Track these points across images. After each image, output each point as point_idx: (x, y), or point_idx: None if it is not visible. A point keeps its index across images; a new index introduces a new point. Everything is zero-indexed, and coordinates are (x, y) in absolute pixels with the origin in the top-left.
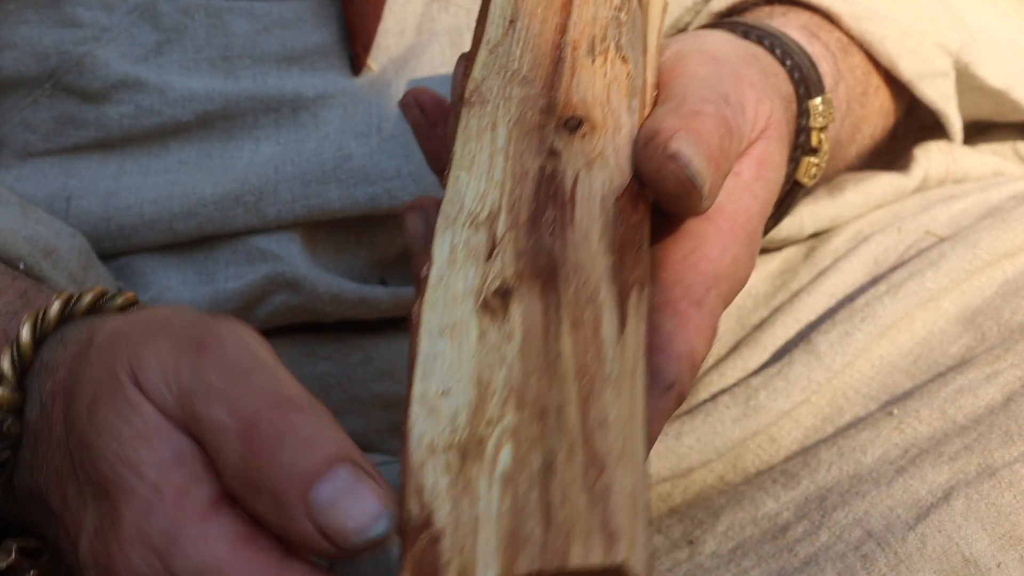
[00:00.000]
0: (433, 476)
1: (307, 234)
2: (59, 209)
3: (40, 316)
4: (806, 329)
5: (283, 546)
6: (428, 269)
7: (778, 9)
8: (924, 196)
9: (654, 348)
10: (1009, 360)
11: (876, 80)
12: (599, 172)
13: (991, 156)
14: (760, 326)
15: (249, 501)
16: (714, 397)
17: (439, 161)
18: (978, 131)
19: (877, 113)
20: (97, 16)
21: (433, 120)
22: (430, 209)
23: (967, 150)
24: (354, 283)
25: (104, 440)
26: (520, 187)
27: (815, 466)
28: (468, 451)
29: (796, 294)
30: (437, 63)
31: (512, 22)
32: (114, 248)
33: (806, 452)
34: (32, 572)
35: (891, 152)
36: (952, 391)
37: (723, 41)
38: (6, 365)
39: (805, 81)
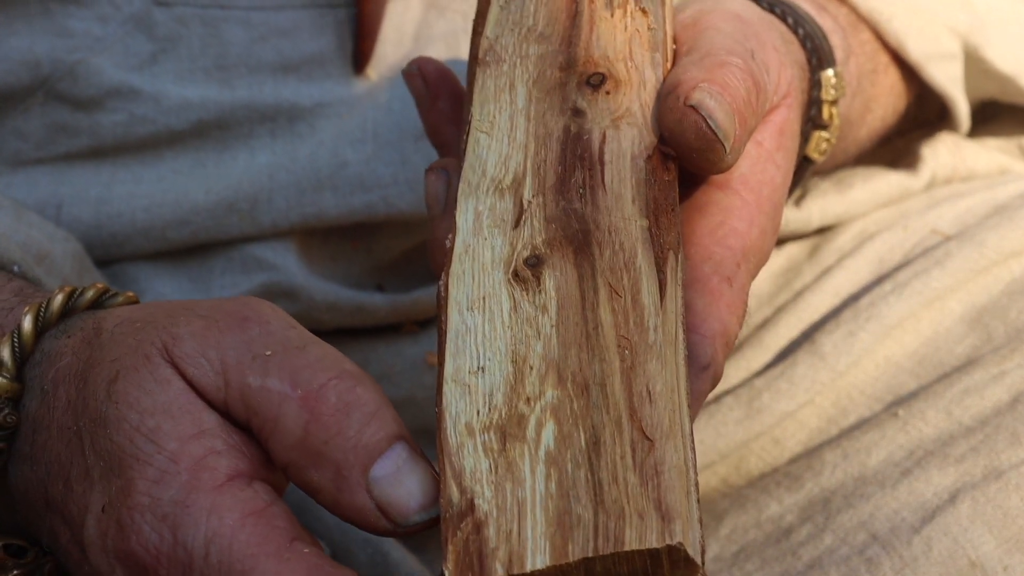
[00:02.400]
0: (472, 459)
1: (303, 242)
2: (49, 216)
3: (43, 308)
4: (810, 329)
5: (293, 528)
6: (452, 239)
7: None
8: (930, 194)
9: (687, 329)
10: (1016, 360)
11: (885, 58)
12: (627, 130)
13: (998, 153)
14: (763, 325)
15: (305, 471)
16: (717, 398)
17: (440, 135)
18: (982, 120)
19: (888, 93)
20: (90, 27)
21: (436, 92)
22: (452, 171)
23: (974, 147)
24: (351, 290)
25: (124, 413)
26: (545, 149)
27: (819, 468)
28: (508, 431)
29: (800, 293)
30: None
31: None
32: (106, 255)
33: (810, 454)
34: (15, 572)
35: (897, 149)
36: (958, 392)
37: (743, 4)
38: (6, 354)
39: (817, 52)
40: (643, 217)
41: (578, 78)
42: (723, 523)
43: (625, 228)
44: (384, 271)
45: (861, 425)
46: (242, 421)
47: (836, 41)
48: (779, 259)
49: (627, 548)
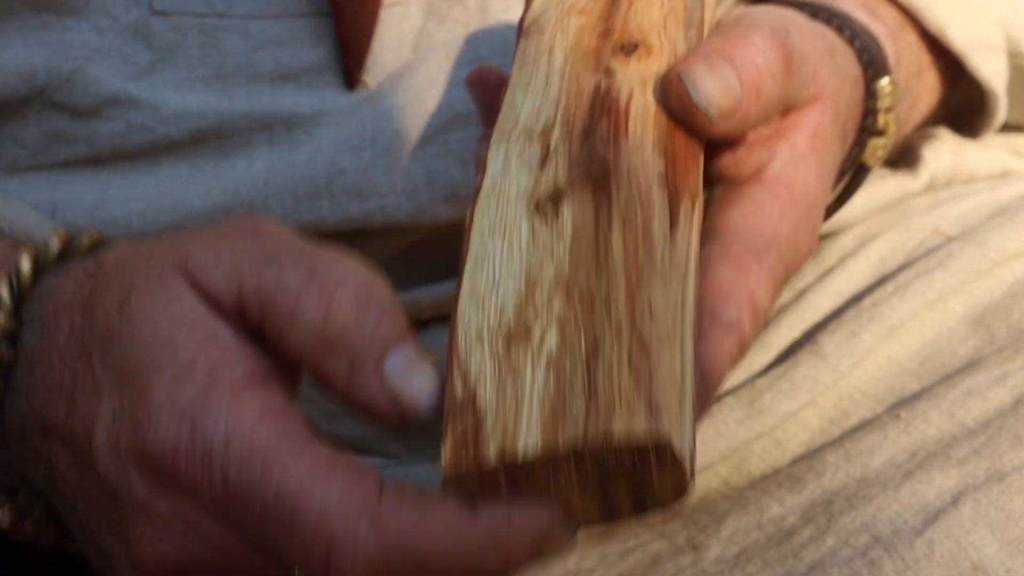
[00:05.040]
0: (479, 361)
1: None
2: None
3: (41, 250)
4: (812, 329)
5: (309, 428)
6: (481, 178)
7: None
8: (932, 195)
9: (713, 294)
10: (1019, 362)
11: (927, 58)
12: (654, 91)
13: (1002, 152)
14: (765, 326)
15: (322, 361)
16: (718, 398)
17: None
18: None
19: (929, 91)
20: (88, 39)
21: (494, 98)
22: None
23: (976, 148)
24: None
25: (137, 326)
26: (576, 103)
27: (821, 470)
28: (514, 338)
29: (802, 293)
30: (434, 77)
31: None
32: None
33: (812, 455)
34: (6, 507)
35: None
36: (961, 393)
37: (789, 11)
38: (4, 292)
39: (873, 63)
40: (661, 161)
41: (613, 45)
42: (724, 524)
43: (643, 170)
44: (381, 271)
45: (863, 426)
46: (255, 320)
47: (889, 48)
48: None
49: (615, 439)
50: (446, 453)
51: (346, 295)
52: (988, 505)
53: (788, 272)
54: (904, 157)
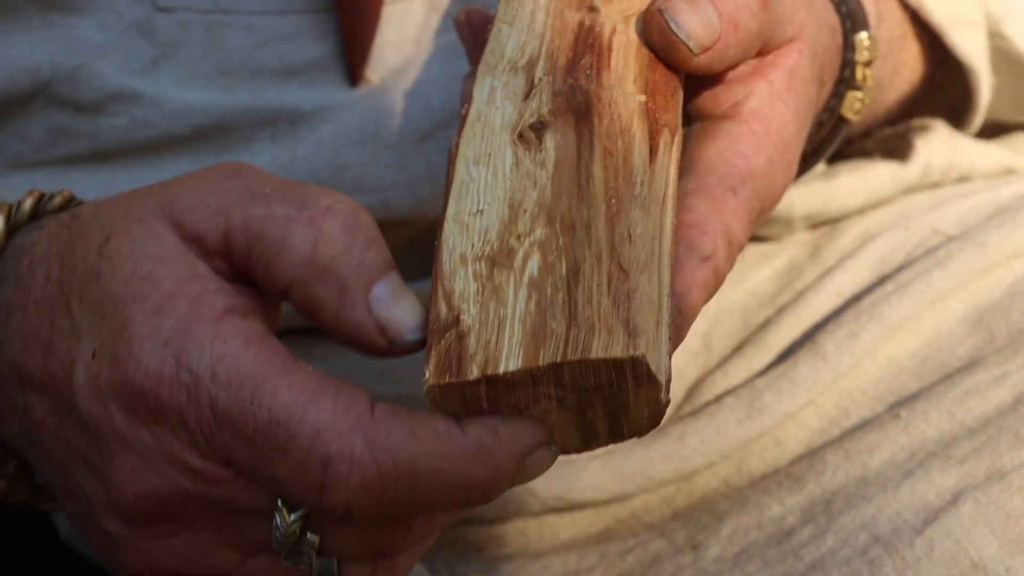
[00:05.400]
0: (463, 283)
1: None
2: None
3: (13, 209)
4: (812, 329)
5: (291, 355)
6: (467, 109)
7: None
8: (932, 194)
9: (689, 225)
10: (1018, 361)
11: (911, 29)
12: (636, 25)
13: (999, 149)
14: (765, 326)
15: (311, 287)
16: (718, 398)
17: None
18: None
19: (913, 60)
20: (92, 35)
21: (482, 40)
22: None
23: (970, 142)
24: None
25: (117, 264)
26: (560, 38)
27: (821, 469)
28: (497, 260)
29: (802, 293)
30: (435, 72)
31: None
32: None
33: (812, 455)
34: None
35: (890, 143)
36: (960, 393)
37: None
38: None
39: (852, 16)
40: (641, 95)
41: None
42: (724, 524)
43: (624, 102)
44: None
45: (863, 426)
46: (242, 255)
47: (869, 7)
48: (781, 259)
49: (593, 356)
50: (430, 367)
51: (335, 224)
52: (988, 504)
53: (764, 206)
54: (897, 148)
